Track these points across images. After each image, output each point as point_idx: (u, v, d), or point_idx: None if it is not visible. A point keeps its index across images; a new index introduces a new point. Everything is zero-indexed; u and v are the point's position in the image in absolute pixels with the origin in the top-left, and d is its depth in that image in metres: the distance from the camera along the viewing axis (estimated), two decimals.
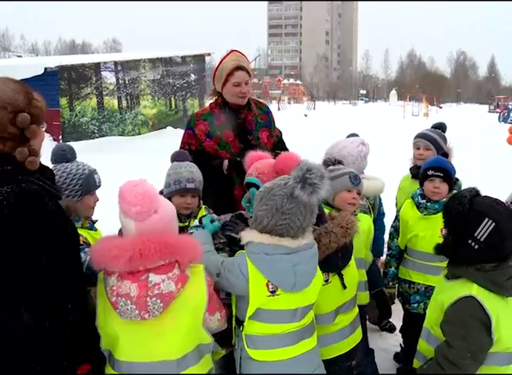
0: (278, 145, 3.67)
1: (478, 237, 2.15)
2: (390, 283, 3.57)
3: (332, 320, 2.58)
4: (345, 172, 2.99)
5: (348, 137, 4.33)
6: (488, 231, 2.14)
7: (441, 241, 2.43)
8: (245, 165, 2.95)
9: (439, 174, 3.26)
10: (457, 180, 3.57)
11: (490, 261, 2.18)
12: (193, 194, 2.92)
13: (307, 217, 2.21)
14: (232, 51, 3.54)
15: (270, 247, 2.19)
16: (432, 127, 3.97)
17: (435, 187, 3.27)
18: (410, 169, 3.93)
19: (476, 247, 2.16)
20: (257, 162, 2.94)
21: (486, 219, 2.14)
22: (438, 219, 3.13)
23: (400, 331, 3.82)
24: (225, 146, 3.46)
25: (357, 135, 4.29)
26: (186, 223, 2.91)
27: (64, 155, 2.61)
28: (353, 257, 2.69)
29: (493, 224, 2.13)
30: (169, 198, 2.92)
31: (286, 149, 3.66)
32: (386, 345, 4.06)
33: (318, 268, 2.36)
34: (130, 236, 2.06)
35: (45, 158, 2.16)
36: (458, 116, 34.54)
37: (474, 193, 2.26)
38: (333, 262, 2.51)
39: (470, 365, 2.12)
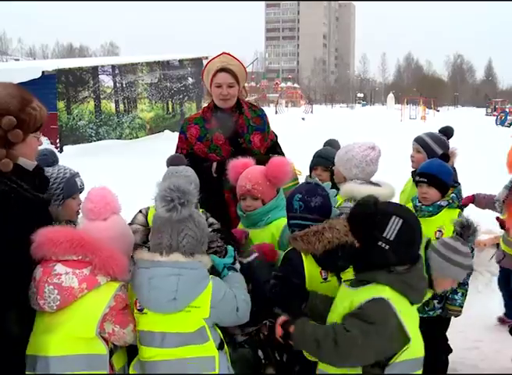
0: (273, 149, 3.66)
1: (388, 236, 2.07)
2: None
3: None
4: None
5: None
6: (397, 229, 2.08)
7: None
8: (229, 174, 2.91)
9: (424, 180, 3.31)
10: (458, 184, 3.52)
11: (402, 262, 2.11)
12: None
13: (175, 237, 2.10)
14: (222, 53, 3.50)
15: (139, 261, 2.17)
16: (438, 131, 3.96)
17: (422, 192, 3.34)
18: (412, 172, 3.93)
19: (387, 247, 2.08)
20: (247, 171, 2.83)
21: (393, 217, 2.09)
22: (432, 222, 3.26)
23: None
24: (216, 149, 3.45)
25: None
26: None
27: (46, 160, 2.55)
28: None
29: (401, 221, 2.08)
30: None
31: (281, 153, 3.65)
32: None
33: (207, 296, 2.12)
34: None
35: None
36: (455, 119, 34.56)
37: (375, 198, 2.19)
38: (331, 259, 2.41)
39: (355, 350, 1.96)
